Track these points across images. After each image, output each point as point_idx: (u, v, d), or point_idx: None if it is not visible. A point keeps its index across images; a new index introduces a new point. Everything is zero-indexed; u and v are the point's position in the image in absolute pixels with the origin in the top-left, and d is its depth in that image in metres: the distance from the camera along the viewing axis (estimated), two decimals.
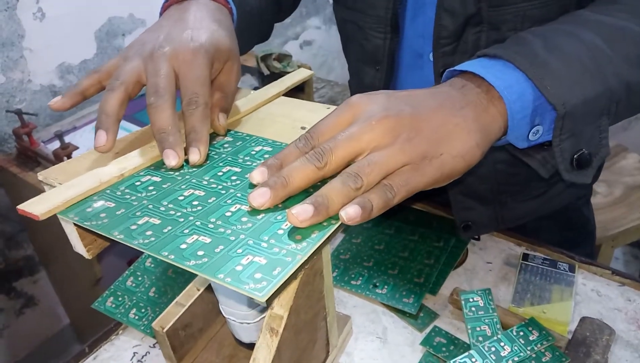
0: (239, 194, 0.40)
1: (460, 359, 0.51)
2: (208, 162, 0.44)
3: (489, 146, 0.42)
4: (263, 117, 0.52)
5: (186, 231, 0.36)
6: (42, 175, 0.42)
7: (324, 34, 2.24)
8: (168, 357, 0.51)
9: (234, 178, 0.42)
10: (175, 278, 0.65)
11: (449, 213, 0.74)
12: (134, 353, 0.58)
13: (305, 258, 0.34)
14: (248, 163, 0.44)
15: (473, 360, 0.51)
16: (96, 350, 0.59)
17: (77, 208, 0.39)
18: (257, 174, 0.38)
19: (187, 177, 0.42)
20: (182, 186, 0.41)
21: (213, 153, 0.46)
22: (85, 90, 0.46)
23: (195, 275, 0.54)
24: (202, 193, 0.40)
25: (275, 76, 1.48)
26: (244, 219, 0.37)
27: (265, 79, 1.51)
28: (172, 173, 0.43)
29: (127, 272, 0.67)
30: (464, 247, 0.68)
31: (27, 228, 1.45)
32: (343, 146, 0.38)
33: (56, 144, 1.19)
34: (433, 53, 0.59)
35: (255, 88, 0.58)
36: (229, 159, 0.44)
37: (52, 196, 0.38)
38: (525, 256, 0.65)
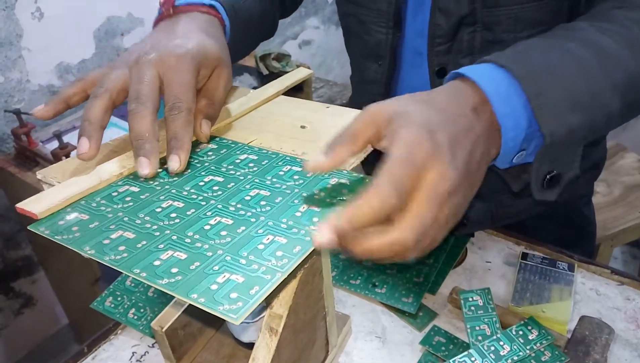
0: (219, 206, 0.38)
1: (460, 358, 0.51)
2: (189, 171, 0.42)
3: (487, 166, 0.42)
4: (263, 116, 0.52)
5: (161, 246, 0.34)
6: (41, 174, 0.42)
7: (323, 33, 2.24)
8: (167, 357, 0.51)
9: (215, 188, 0.40)
10: None
11: None
12: (133, 353, 0.58)
13: (285, 276, 0.33)
14: (231, 171, 0.42)
15: (472, 359, 0.51)
16: (95, 349, 0.59)
17: (49, 221, 0.37)
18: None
19: (166, 187, 0.40)
20: (161, 197, 0.39)
21: (196, 161, 0.44)
22: (69, 98, 0.45)
23: None
24: (181, 205, 0.38)
25: (274, 75, 1.48)
26: (223, 233, 0.36)
27: (264, 79, 1.51)
28: (152, 182, 0.41)
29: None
30: (463, 246, 0.68)
31: (26, 228, 1.45)
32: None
33: (55, 144, 1.19)
34: (428, 52, 0.59)
35: (254, 88, 0.58)
36: (212, 168, 0.43)
37: (51, 195, 0.38)
38: (524, 256, 0.65)
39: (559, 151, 0.43)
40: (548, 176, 0.44)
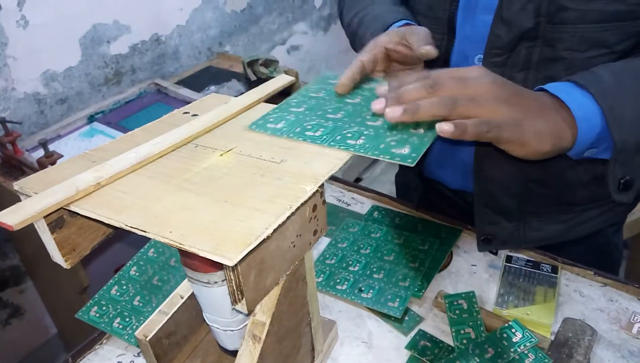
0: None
1: (445, 362, 0.51)
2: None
3: (559, 146, 0.49)
4: (244, 123, 0.52)
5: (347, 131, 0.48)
6: (17, 185, 0.41)
7: (311, 39, 2.24)
8: None
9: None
10: (160, 287, 0.65)
11: (434, 217, 0.74)
12: (118, 362, 0.58)
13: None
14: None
15: None
16: (80, 360, 0.58)
17: (264, 123, 0.50)
18: (377, 104, 0.48)
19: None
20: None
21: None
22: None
23: (179, 283, 0.54)
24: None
25: (262, 81, 1.47)
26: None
27: (252, 85, 1.51)
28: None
29: (111, 281, 0.66)
30: (449, 250, 0.68)
31: (13, 238, 1.44)
32: (453, 86, 0.46)
33: (40, 153, 1.18)
34: (483, 61, 0.59)
35: (242, 94, 0.58)
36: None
37: (27, 206, 0.38)
38: (508, 258, 0.65)
39: (629, 157, 0.50)
40: (622, 181, 0.51)
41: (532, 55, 0.57)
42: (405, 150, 0.44)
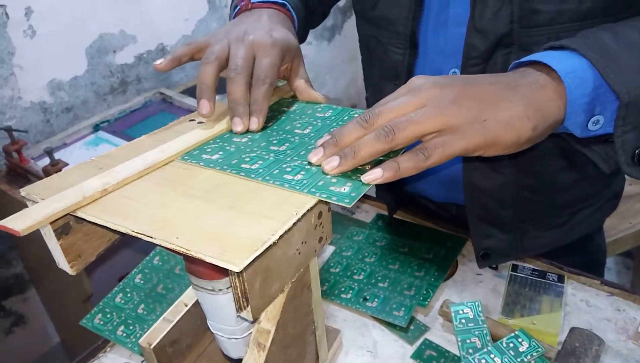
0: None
1: None
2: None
3: (545, 124, 0.42)
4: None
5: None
6: (24, 191, 0.42)
7: (316, 49, 2.26)
8: None
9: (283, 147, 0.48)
10: (165, 295, 0.65)
11: (439, 225, 0.74)
12: None
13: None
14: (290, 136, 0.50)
15: None
16: None
17: (194, 156, 0.47)
18: (314, 156, 0.44)
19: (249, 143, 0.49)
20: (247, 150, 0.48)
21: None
22: (180, 57, 0.55)
23: (184, 291, 0.54)
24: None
25: None
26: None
27: None
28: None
29: (116, 289, 0.66)
30: (454, 259, 0.68)
31: (17, 246, 1.44)
32: (389, 111, 0.42)
33: (46, 161, 1.18)
34: (460, 72, 0.58)
35: None
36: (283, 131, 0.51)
37: (34, 212, 0.38)
38: (514, 267, 0.65)
39: None
40: (638, 151, 0.42)
41: (509, 61, 0.56)
42: (345, 188, 0.40)
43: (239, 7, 0.62)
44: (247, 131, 0.51)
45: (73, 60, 1.42)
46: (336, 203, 0.39)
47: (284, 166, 0.44)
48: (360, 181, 0.41)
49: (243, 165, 0.45)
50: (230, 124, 0.50)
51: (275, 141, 0.49)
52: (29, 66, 1.32)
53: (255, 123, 0.50)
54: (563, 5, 0.52)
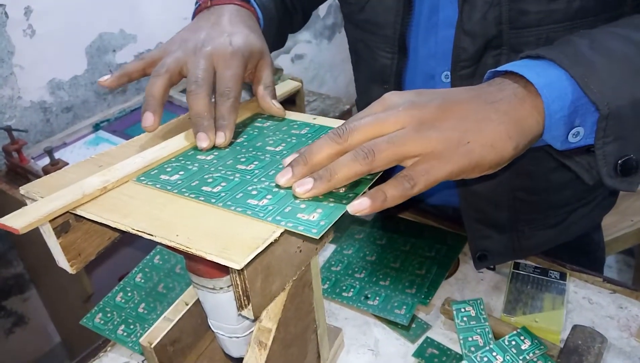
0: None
1: None
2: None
3: (525, 141, 0.40)
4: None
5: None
6: (24, 189, 0.41)
7: (315, 48, 2.25)
8: None
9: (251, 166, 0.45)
10: (165, 294, 0.64)
11: (440, 223, 0.74)
12: None
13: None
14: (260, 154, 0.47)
15: None
16: None
17: (151, 177, 0.43)
18: (282, 177, 0.40)
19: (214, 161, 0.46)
20: (212, 169, 0.44)
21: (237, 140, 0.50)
22: (131, 73, 0.51)
23: (184, 290, 0.54)
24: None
25: None
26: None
27: None
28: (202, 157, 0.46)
29: (116, 288, 0.66)
30: (456, 257, 0.67)
31: (17, 246, 1.44)
32: (365, 128, 0.39)
33: (46, 161, 1.18)
34: (451, 75, 0.57)
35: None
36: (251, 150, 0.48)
37: (33, 210, 0.37)
38: (516, 265, 0.65)
39: (625, 126, 0.40)
40: (621, 161, 0.40)
41: (499, 63, 0.55)
42: (314, 216, 0.37)
43: (198, 3, 0.59)
44: (214, 148, 0.47)
45: (73, 59, 1.41)
46: (303, 233, 0.35)
47: (250, 188, 0.40)
48: (333, 206, 0.37)
49: (204, 188, 0.41)
50: (194, 140, 0.47)
51: (243, 159, 0.45)
52: (29, 65, 1.32)
53: (222, 137, 0.47)
54: (552, 5, 0.51)
